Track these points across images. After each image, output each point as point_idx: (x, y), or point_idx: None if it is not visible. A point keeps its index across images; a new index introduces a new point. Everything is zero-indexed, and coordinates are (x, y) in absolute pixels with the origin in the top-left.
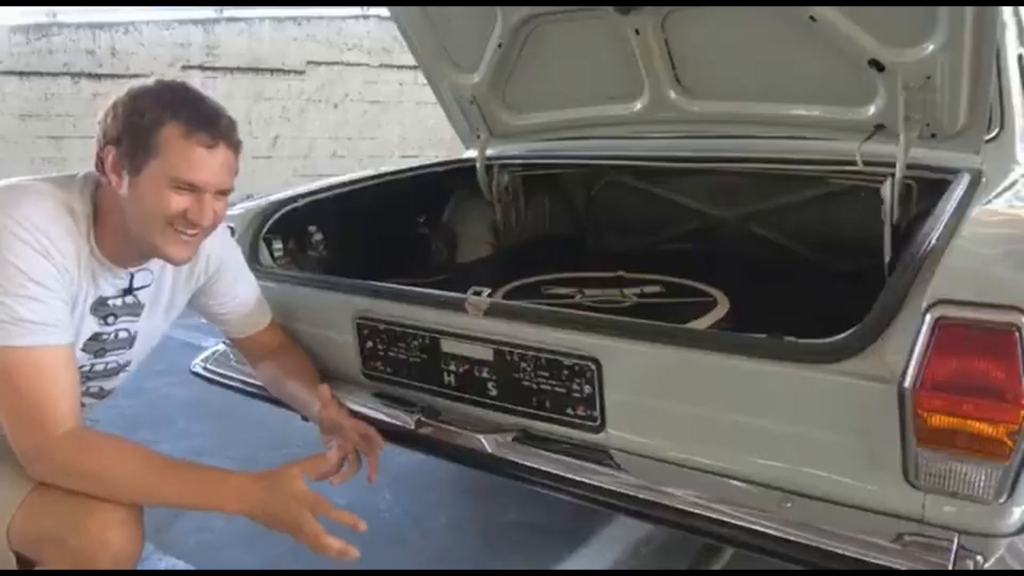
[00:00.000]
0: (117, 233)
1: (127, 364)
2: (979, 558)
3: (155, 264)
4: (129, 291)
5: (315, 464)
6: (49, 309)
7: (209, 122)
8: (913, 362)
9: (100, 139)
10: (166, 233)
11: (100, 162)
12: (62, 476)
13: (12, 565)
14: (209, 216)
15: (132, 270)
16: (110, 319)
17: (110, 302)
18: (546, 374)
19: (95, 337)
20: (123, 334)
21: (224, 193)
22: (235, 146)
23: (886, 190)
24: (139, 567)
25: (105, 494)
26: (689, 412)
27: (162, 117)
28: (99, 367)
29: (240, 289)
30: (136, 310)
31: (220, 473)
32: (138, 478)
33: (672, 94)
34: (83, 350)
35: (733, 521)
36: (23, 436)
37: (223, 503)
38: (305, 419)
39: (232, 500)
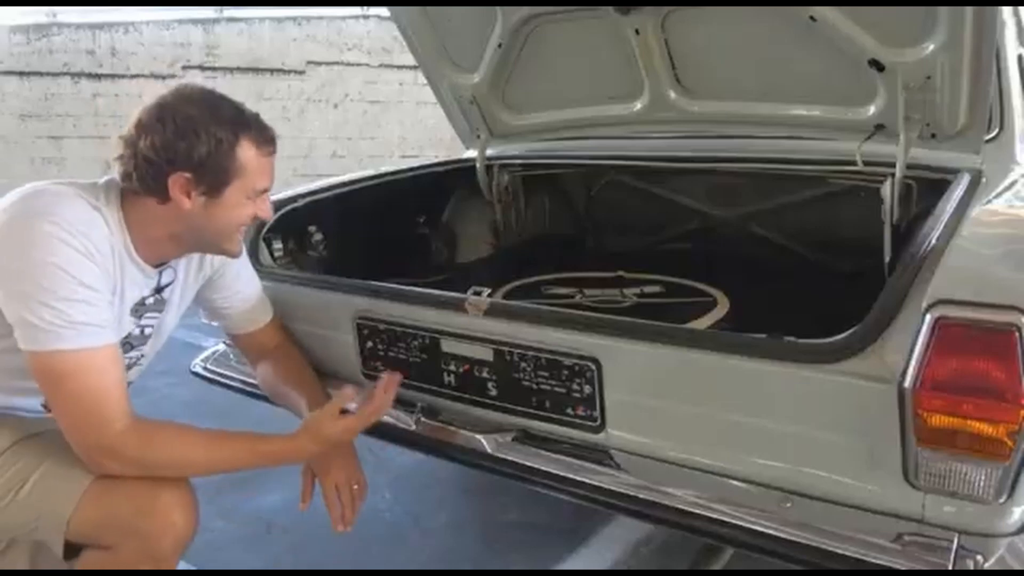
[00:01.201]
0: (155, 240)
1: (141, 358)
2: (979, 558)
3: (178, 261)
4: (159, 289)
5: (340, 403)
6: (98, 311)
7: (264, 129)
8: (913, 362)
9: (155, 160)
10: (235, 236)
11: (152, 184)
12: (132, 468)
13: (59, 555)
14: (271, 211)
15: (160, 269)
16: (143, 318)
17: (145, 301)
18: (546, 374)
19: (127, 336)
20: (148, 331)
21: None
22: None
23: (886, 190)
24: None
25: (175, 475)
26: (689, 412)
27: (234, 138)
28: (124, 362)
29: (243, 284)
30: (160, 307)
31: (269, 436)
32: (206, 455)
33: (672, 94)
34: None
35: (733, 521)
36: (85, 436)
37: (286, 455)
38: None
39: (292, 451)
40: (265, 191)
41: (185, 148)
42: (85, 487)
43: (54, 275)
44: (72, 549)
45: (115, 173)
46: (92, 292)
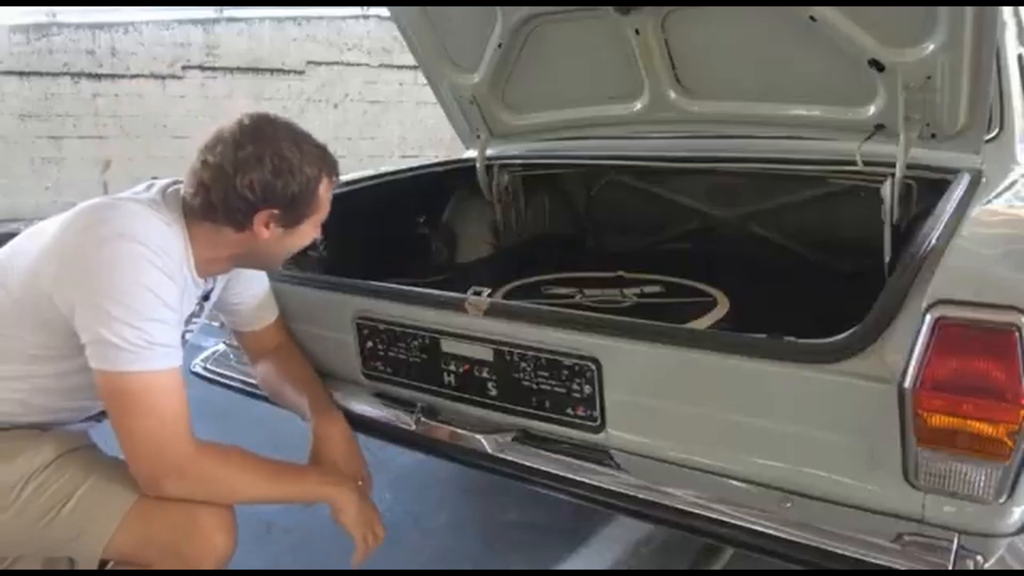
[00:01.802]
0: (214, 260)
1: None
2: (979, 558)
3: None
4: (206, 298)
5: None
6: (173, 331)
7: (335, 162)
8: (913, 362)
9: (251, 199)
10: (288, 257)
11: (239, 218)
12: (195, 491)
13: (93, 567)
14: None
15: (208, 279)
16: (187, 326)
17: (194, 312)
18: (546, 374)
19: None
20: (188, 335)
21: None
22: None
23: (886, 190)
24: None
25: (229, 500)
26: (689, 412)
27: (318, 175)
28: None
29: (256, 281)
30: (200, 313)
31: (321, 469)
32: (258, 483)
33: (672, 94)
34: None
35: (733, 521)
36: (154, 457)
37: (326, 494)
38: (305, 420)
39: (335, 492)
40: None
41: (281, 187)
42: (129, 505)
43: (142, 296)
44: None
45: (187, 195)
46: (171, 312)
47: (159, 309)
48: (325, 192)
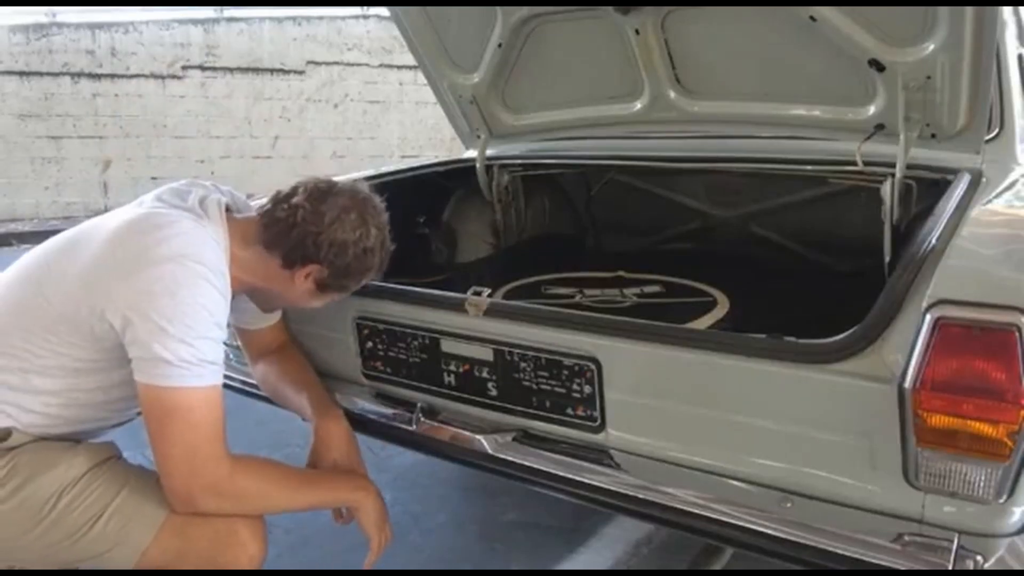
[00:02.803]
0: (243, 281)
1: None
2: (979, 558)
3: None
4: None
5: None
6: (220, 349)
7: (384, 266)
8: (913, 362)
9: (322, 252)
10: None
11: (297, 258)
12: (228, 506)
13: None
14: None
15: None
16: None
17: None
18: (546, 374)
19: None
20: None
21: None
22: None
23: (886, 190)
24: None
25: (261, 512)
26: (689, 412)
27: (371, 271)
28: None
29: None
30: None
31: (342, 475)
32: (290, 494)
33: (672, 94)
34: None
35: (733, 521)
36: (193, 473)
37: (351, 498)
38: (305, 420)
39: (359, 496)
40: None
41: (350, 259)
42: (163, 518)
43: (199, 315)
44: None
45: (263, 217)
46: (221, 331)
47: (212, 328)
48: (365, 281)
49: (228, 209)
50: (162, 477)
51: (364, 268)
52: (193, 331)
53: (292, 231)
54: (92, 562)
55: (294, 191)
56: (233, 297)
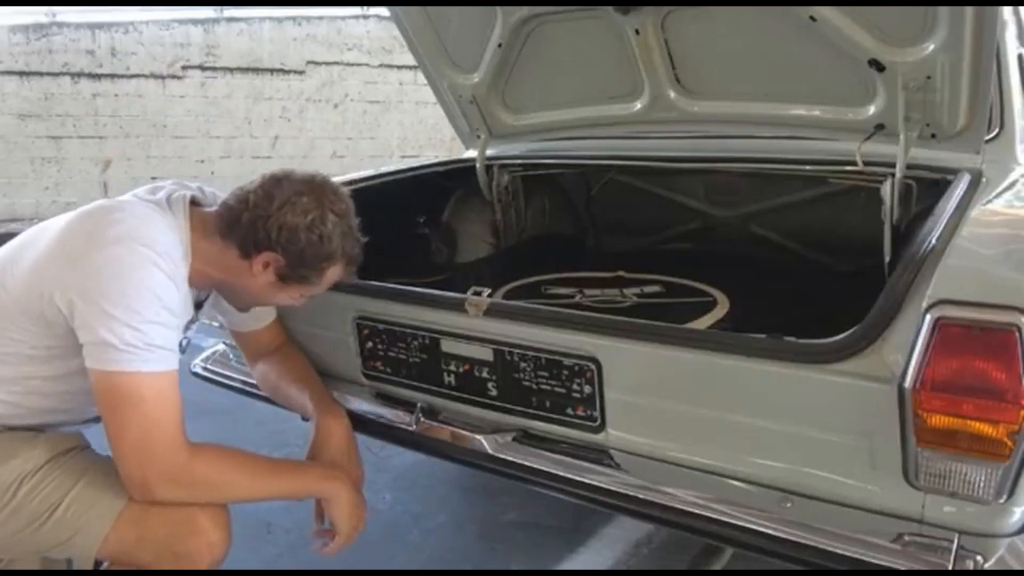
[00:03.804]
0: (206, 275)
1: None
2: (979, 558)
3: None
4: (198, 305)
5: None
6: (172, 335)
7: (359, 258)
8: (913, 362)
9: (272, 236)
10: (259, 306)
11: (251, 246)
12: (186, 495)
13: (88, 567)
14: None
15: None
16: (185, 333)
17: (191, 318)
18: (546, 374)
19: None
20: (184, 343)
21: None
22: None
23: (886, 190)
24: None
25: (221, 501)
26: (689, 412)
27: (337, 259)
28: None
29: None
30: (196, 319)
31: (311, 464)
32: (253, 483)
33: (672, 94)
34: None
35: (733, 521)
36: (147, 462)
37: (320, 489)
38: (305, 419)
39: (328, 486)
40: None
41: (304, 243)
42: (122, 506)
43: (144, 298)
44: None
45: (219, 207)
46: (171, 316)
47: (160, 312)
48: (331, 275)
49: (197, 203)
50: (118, 465)
51: (322, 256)
52: (139, 315)
53: (243, 216)
54: (57, 550)
55: (253, 181)
56: (206, 296)
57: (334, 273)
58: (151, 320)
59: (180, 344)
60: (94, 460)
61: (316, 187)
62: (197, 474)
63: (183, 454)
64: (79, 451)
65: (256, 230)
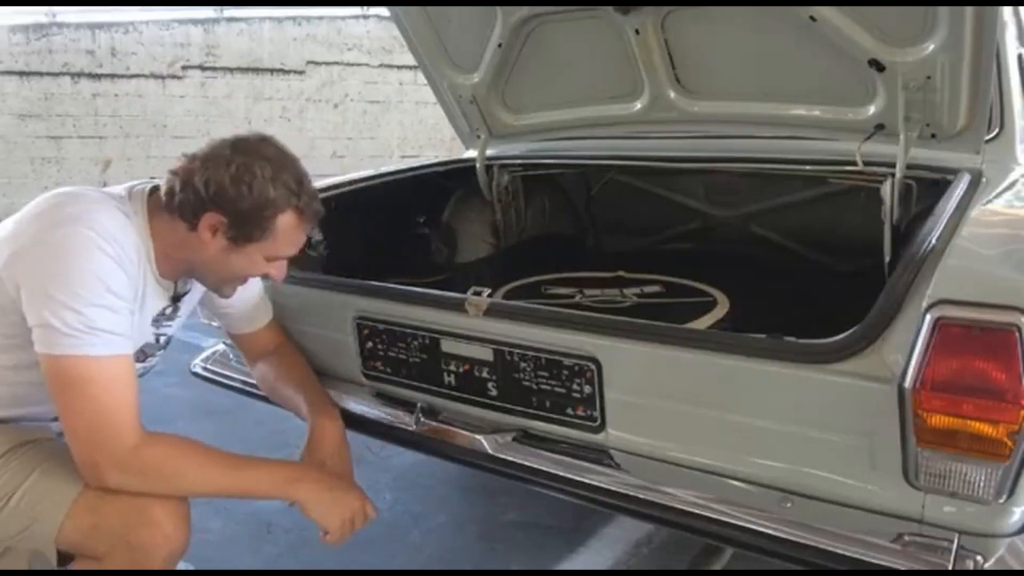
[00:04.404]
0: (173, 259)
1: (154, 365)
2: (979, 558)
3: None
4: (176, 299)
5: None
6: (120, 319)
7: (315, 205)
8: (913, 362)
9: (202, 194)
10: (235, 284)
11: (189, 213)
12: (137, 483)
13: (52, 563)
14: (285, 274)
15: (176, 279)
16: (161, 327)
17: (165, 311)
18: (546, 374)
19: (145, 345)
20: (163, 339)
21: None
22: None
23: (886, 190)
24: None
25: (175, 492)
26: (689, 412)
27: (283, 204)
28: (139, 371)
29: (247, 285)
30: (175, 314)
31: (279, 464)
32: (210, 476)
33: (672, 94)
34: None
35: (733, 521)
36: (96, 447)
37: (285, 493)
38: (302, 419)
39: (294, 490)
40: (287, 256)
41: (233, 195)
42: (76, 494)
43: (86, 281)
44: (67, 558)
45: (160, 184)
46: (118, 300)
47: (104, 295)
48: (286, 226)
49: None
50: (71, 449)
51: (261, 205)
52: (82, 298)
53: (175, 184)
54: (18, 539)
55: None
56: (187, 290)
57: (287, 224)
58: (94, 303)
59: (158, 339)
60: (54, 450)
61: (240, 139)
62: (147, 461)
63: (132, 440)
64: (42, 442)
65: (187, 193)
